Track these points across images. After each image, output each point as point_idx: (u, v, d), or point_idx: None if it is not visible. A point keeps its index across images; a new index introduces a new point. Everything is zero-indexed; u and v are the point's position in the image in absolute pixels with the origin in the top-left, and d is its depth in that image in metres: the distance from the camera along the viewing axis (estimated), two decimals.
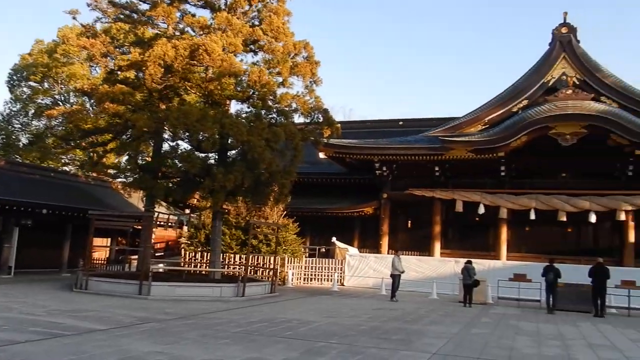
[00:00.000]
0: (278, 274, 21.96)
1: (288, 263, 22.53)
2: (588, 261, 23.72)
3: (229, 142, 16.55)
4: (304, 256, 23.94)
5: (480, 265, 21.85)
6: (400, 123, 34.46)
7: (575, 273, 19.03)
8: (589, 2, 76.47)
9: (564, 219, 24.12)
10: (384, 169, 27.00)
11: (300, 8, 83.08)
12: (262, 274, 22.03)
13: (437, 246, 26.66)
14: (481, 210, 25.27)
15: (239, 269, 20.09)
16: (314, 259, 24.52)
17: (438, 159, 24.81)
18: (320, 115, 17.51)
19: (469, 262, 17.69)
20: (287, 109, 17.05)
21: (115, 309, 12.25)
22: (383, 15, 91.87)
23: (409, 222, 29.32)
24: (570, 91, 22.77)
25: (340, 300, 17.05)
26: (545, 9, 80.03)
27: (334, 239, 25.82)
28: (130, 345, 8.06)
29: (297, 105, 17.33)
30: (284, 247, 22.68)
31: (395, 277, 17.93)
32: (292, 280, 22.18)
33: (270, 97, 16.18)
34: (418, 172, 26.83)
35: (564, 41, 25.19)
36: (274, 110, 16.65)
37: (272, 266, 20.43)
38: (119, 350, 7.66)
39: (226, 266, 21.86)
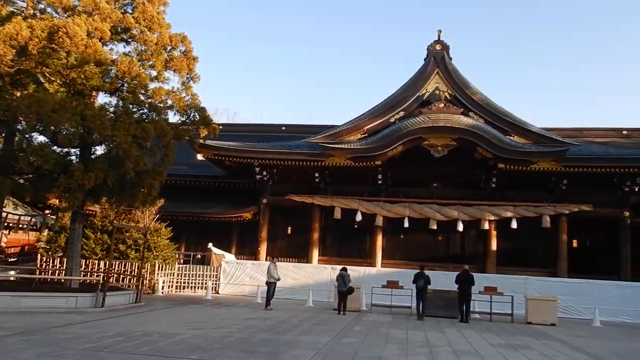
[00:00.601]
0: (147, 282, 20.57)
1: (159, 270, 21.09)
2: (456, 268, 24.92)
3: (94, 137, 15.02)
4: (176, 263, 22.60)
5: (356, 272, 22.06)
6: (283, 128, 34.36)
7: (444, 279, 19.89)
8: (467, 21, 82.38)
9: (435, 227, 25.17)
10: (264, 173, 26.49)
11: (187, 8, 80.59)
12: (130, 282, 20.40)
13: (315, 253, 26.62)
14: (359, 217, 25.64)
15: (102, 276, 18.40)
16: (188, 265, 23.27)
17: (318, 165, 24.79)
18: (196, 114, 16.52)
19: (344, 269, 17.65)
20: (160, 105, 15.87)
21: None
22: (269, 21, 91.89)
23: (289, 228, 29.06)
24: (442, 105, 23.88)
25: (211, 310, 16.15)
26: (431, 20, 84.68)
27: (210, 245, 24.75)
28: None
29: (173, 101, 16.24)
30: (154, 253, 21.25)
31: (271, 285, 17.38)
32: (162, 289, 20.78)
33: (142, 91, 14.93)
34: (298, 178, 26.68)
35: (438, 57, 26.46)
36: (146, 105, 15.39)
37: (134, 274, 19.06)
38: None
39: (89, 274, 19.98)
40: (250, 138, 28.99)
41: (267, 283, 17.48)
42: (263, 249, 26.88)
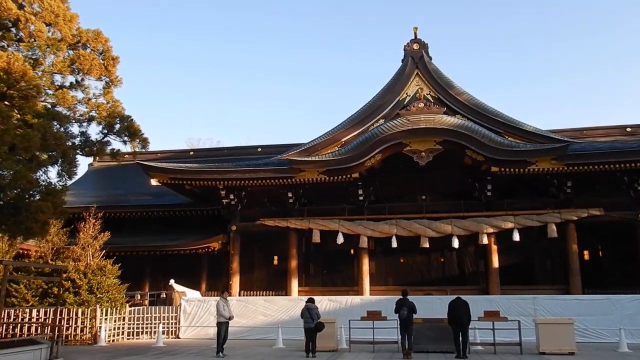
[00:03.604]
0: (87, 330, 17.52)
1: (103, 315, 17.95)
2: (454, 291, 21.85)
3: None
4: (127, 305, 19.47)
5: (336, 302, 19.08)
6: (259, 150, 31.65)
7: (439, 305, 16.80)
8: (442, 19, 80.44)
9: (427, 245, 22.16)
10: (232, 197, 23.57)
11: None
12: (68, 332, 17.34)
13: (295, 283, 23.49)
14: (340, 239, 22.61)
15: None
16: (142, 307, 20.12)
17: (289, 183, 21.88)
18: (120, 124, 13.71)
19: (311, 301, 14.53)
20: (73, 114, 13.06)
21: None
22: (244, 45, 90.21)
23: (269, 257, 26.09)
24: (422, 104, 21.18)
25: None
26: (397, 25, 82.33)
27: (171, 282, 21.70)
28: None
29: (91, 109, 13.46)
30: (98, 295, 18.21)
31: (222, 326, 14.24)
32: (106, 337, 17.58)
33: (34, 94, 12.05)
34: (270, 199, 23.80)
35: (416, 57, 23.85)
36: (46, 114, 12.51)
37: (72, 321, 16.19)
38: None
39: (18, 326, 16.93)
40: (225, 162, 26.16)
41: (218, 324, 14.37)
42: (235, 282, 23.79)
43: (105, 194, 28.62)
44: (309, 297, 15.24)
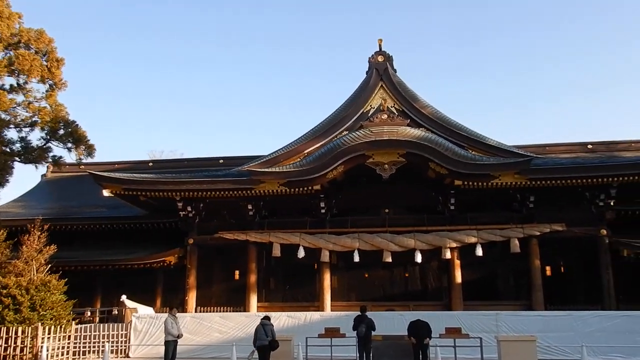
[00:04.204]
0: (27, 350, 16.36)
1: (45, 333, 16.75)
2: (417, 306, 21.55)
3: None
4: (73, 323, 18.35)
5: (294, 319, 18.41)
6: (221, 161, 30.75)
7: (400, 322, 16.32)
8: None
9: (390, 259, 21.72)
10: (189, 209, 22.74)
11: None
12: (7, 352, 16.15)
13: (254, 299, 22.74)
14: (301, 253, 22.01)
15: None
16: (90, 325, 19.03)
17: (249, 194, 21.19)
18: (64, 129, 12.88)
19: (267, 318, 13.81)
20: (12, 117, 12.19)
21: None
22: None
23: (228, 272, 25.20)
24: (386, 116, 20.86)
25: None
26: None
27: (123, 298, 20.65)
28: None
29: (33, 114, 12.61)
30: (41, 313, 17.06)
31: (170, 345, 13.45)
32: (48, 357, 16.38)
33: None
34: (230, 212, 23.05)
35: (381, 70, 23.62)
36: None
37: (11, 341, 15.06)
38: None
39: None
40: (186, 173, 25.30)
41: (165, 342, 13.55)
42: (192, 298, 22.89)
43: (57, 205, 27.35)
44: (265, 314, 14.53)
